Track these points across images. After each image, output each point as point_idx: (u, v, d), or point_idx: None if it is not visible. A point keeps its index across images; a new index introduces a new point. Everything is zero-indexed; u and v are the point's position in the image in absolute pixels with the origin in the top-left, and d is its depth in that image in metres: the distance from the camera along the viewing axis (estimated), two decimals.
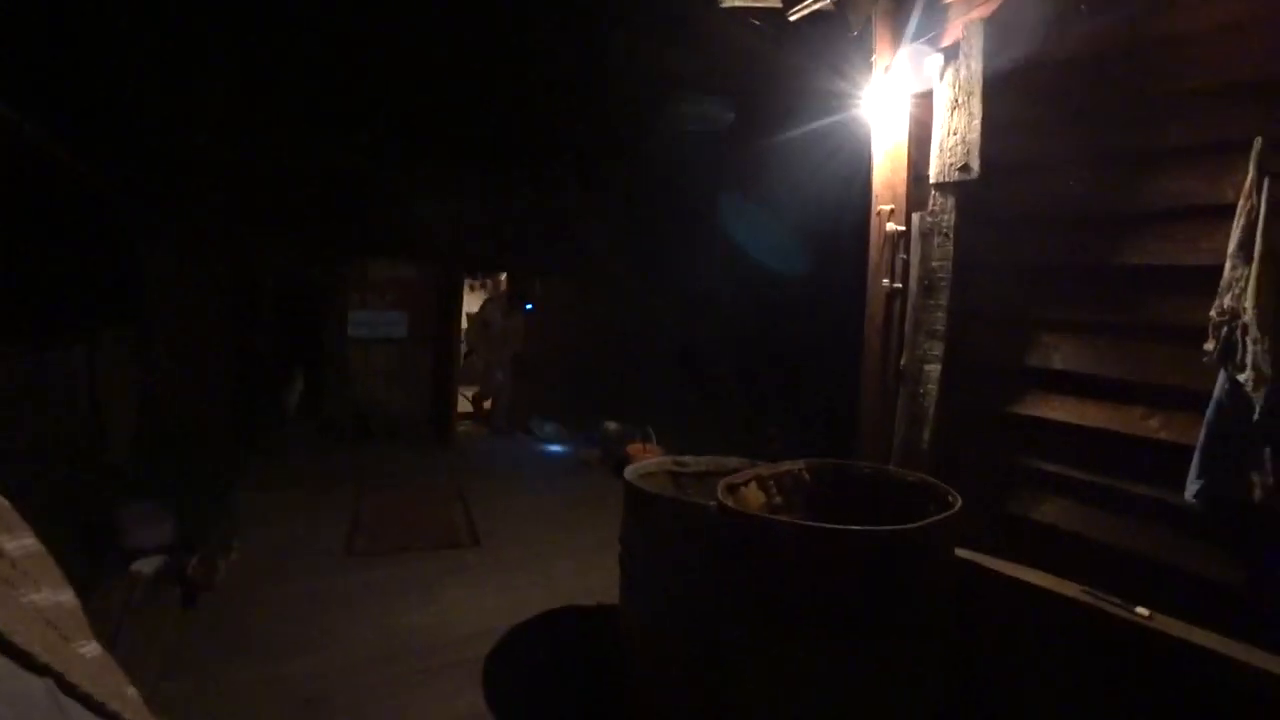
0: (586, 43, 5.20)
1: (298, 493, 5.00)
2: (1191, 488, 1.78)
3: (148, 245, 5.35)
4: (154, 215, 5.29)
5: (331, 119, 6.05)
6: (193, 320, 5.59)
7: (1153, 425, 1.88)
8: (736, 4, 2.52)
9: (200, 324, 5.64)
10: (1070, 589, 2.05)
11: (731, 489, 2.18)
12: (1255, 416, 1.61)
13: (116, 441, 4.73)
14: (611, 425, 6.21)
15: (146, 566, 3.49)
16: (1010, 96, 2.19)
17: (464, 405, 7.59)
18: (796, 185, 4.73)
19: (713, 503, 2.15)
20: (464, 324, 7.59)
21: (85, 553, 3.45)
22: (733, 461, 2.89)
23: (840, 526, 1.80)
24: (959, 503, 1.94)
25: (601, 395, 7.14)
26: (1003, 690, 2.08)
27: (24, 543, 0.48)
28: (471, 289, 9.18)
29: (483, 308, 7.86)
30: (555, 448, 6.96)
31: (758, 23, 2.70)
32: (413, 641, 3.11)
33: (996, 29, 2.21)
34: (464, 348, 7.68)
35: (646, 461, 2.88)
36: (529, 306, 8.08)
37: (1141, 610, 1.89)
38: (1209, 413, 1.73)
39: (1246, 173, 1.62)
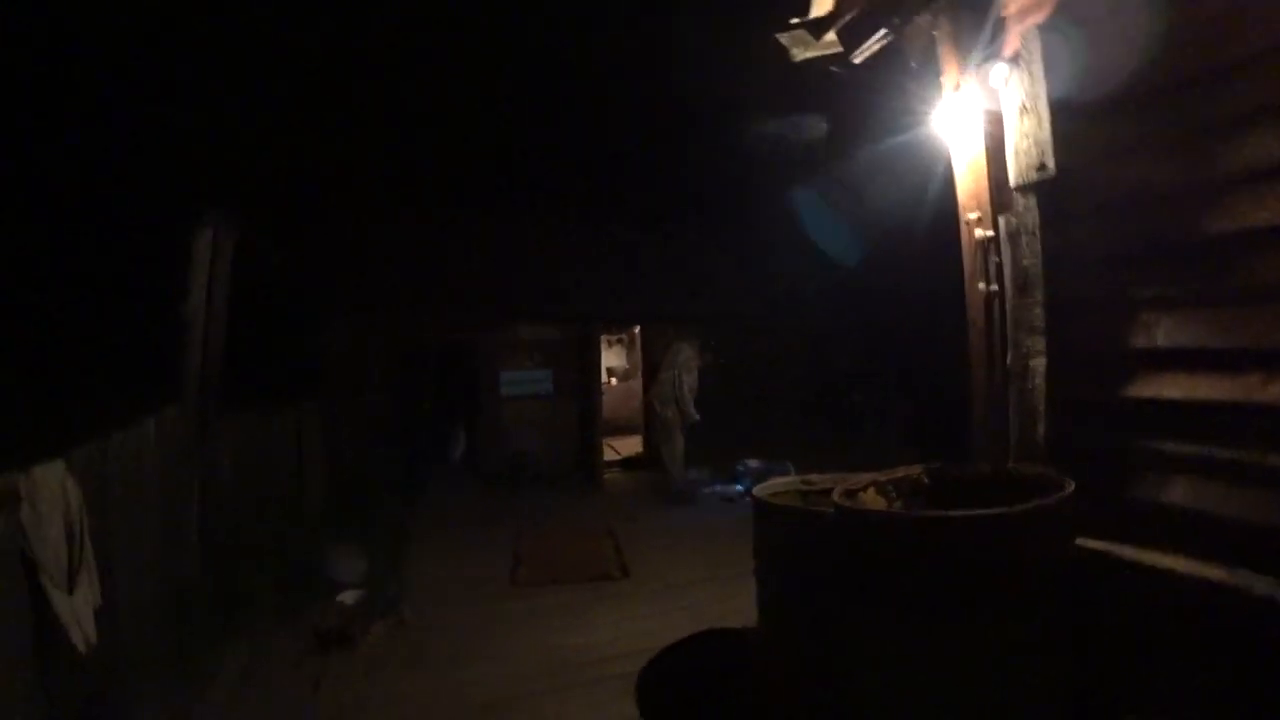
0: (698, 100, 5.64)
1: (463, 532, 5.63)
2: None
3: (325, 322, 6.42)
4: (329, 296, 6.36)
5: (480, 194, 6.92)
6: (363, 385, 6.57)
7: (1275, 390, 1.82)
8: (809, 55, 2.79)
9: (369, 388, 6.62)
10: (1214, 572, 1.97)
11: (849, 494, 2.31)
12: None
13: (311, 495, 5.65)
14: (753, 462, 6.40)
15: (349, 598, 4.16)
16: (1075, 91, 2.26)
17: (609, 454, 8.02)
18: (891, 209, 4.80)
19: (829, 508, 2.31)
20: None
21: (300, 585, 4.16)
22: (859, 477, 2.99)
23: (944, 513, 1.90)
24: (1070, 487, 1.97)
25: (739, 436, 7.29)
26: (1138, 681, 2.01)
27: None
28: (608, 344, 9.68)
29: (673, 357, 6.97)
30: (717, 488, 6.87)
31: (835, 69, 2.95)
32: (570, 658, 3.44)
33: (1051, 33, 2.32)
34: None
35: (774, 481, 3.05)
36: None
37: None
38: None
39: None
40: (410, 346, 6.97)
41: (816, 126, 5.80)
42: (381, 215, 6.63)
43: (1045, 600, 1.95)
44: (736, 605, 3.93)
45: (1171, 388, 2.05)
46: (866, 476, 2.51)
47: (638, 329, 9.29)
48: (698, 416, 6.68)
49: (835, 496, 2.25)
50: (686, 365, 6.74)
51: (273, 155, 5.07)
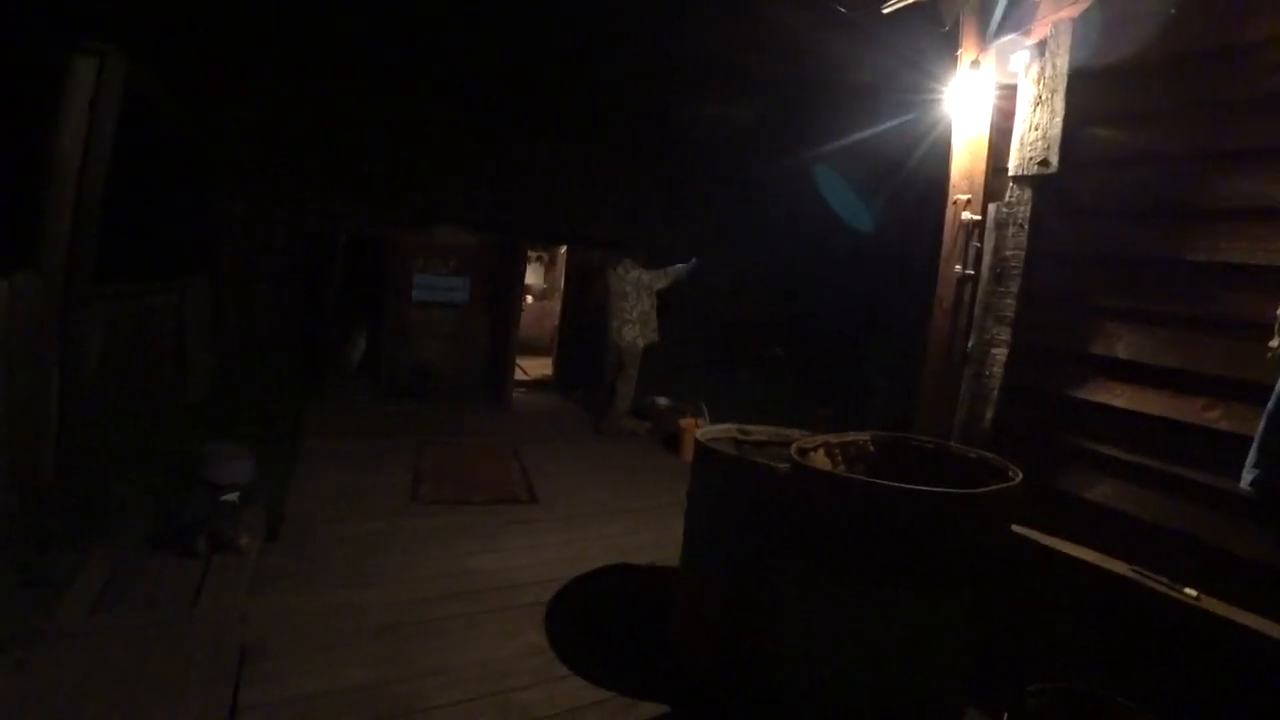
0: (653, 28, 5.29)
1: (360, 443, 5.28)
2: (1248, 476, 1.89)
3: (222, 195, 5.61)
4: (227, 164, 5.54)
5: (407, 84, 6.23)
6: (260, 271, 5.87)
7: (1213, 415, 1.99)
8: None
9: (267, 276, 5.93)
10: (1119, 566, 2.18)
11: (802, 452, 2.34)
12: None
13: (195, 384, 5.06)
14: (662, 400, 6.43)
15: (231, 503, 3.78)
16: (1093, 93, 2.28)
17: (517, 373, 7.76)
18: (853, 171, 4.81)
19: (783, 465, 2.32)
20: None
21: (176, 483, 3.74)
22: (792, 433, 3.05)
23: (908, 486, 1.95)
24: (1019, 477, 2.07)
25: (653, 370, 7.26)
26: (1046, 659, 2.22)
27: None
28: (530, 260, 9.23)
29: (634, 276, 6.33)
30: None
31: (844, 10, 2.79)
32: (478, 584, 3.33)
33: (1084, 28, 2.29)
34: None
35: (713, 428, 3.05)
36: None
37: (1190, 591, 2.01)
38: (1270, 405, 1.84)
39: None
40: (317, 235, 6.25)
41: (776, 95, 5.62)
42: (301, 84, 5.77)
43: (978, 578, 2.08)
44: (645, 540, 4.00)
45: (1120, 397, 2.19)
46: (818, 437, 2.55)
47: (563, 249, 8.95)
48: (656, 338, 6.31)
49: (793, 454, 2.27)
50: (649, 286, 6.25)
51: None
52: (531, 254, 9.54)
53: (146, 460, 3.76)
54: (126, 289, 3.56)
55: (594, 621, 3.16)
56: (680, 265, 6.36)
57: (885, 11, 2.52)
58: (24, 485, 2.65)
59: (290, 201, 5.88)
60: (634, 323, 6.24)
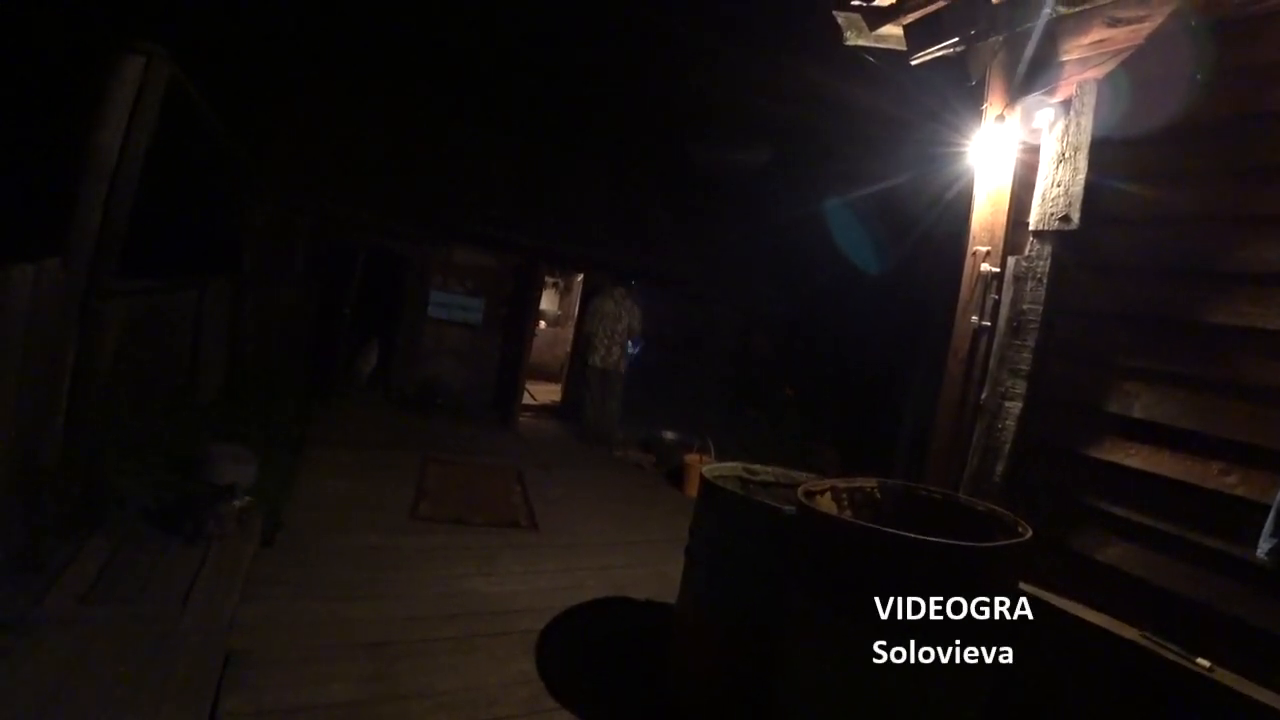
0: (681, 74, 5.44)
1: (364, 454, 5.27)
2: (1264, 545, 1.85)
3: (249, 199, 5.72)
4: (257, 170, 5.66)
5: (440, 107, 6.39)
6: (280, 277, 5.95)
7: (1230, 481, 1.95)
8: (860, 43, 2.68)
9: (287, 281, 6.00)
10: (1129, 632, 2.12)
11: (809, 495, 2.32)
12: None
13: (206, 385, 5.08)
14: (669, 434, 6.43)
15: (235, 504, 3.76)
16: (1117, 153, 2.30)
17: (525, 398, 7.77)
18: (873, 218, 4.85)
19: (789, 507, 2.30)
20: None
21: (177, 480, 3.73)
22: (799, 475, 3.02)
23: (915, 535, 1.92)
24: (1029, 533, 2.03)
25: (658, 404, 7.26)
26: (1046, 715, 2.15)
27: None
28: (546, 287, 9.35)
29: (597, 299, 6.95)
30: None
31: (873, 60, 2.85)
32: (473, 607, 3.28)
33: (1109, 89, 2.33)
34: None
35: (720, 465, 3.03)
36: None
37: (1202, 661, 1.95)
38: None
39: None
40: (339, 246, 6.35)
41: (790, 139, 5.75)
42: (336, 96, 5.95)
43: (984, 633, 2.03)
44: (645, 574, 3.93)
45: (1136, 457, 2.16)
46: (826, 481, 2.53)
47: (580, 276, 9.02)
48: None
49: (800, 497, 2.25)
50: (629, 317, 6.71)
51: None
52: (548, 280, 9.63)
53: (150, 456, 3.76)
54: (148, 284, 3.61)
55: (588, 654, 3.10)
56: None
57: (913, 64, 2.57)
58: (27, 468, 2.65)
59: (315, 211, 5.98)
60: (617, 345, 6.66)
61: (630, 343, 6.79)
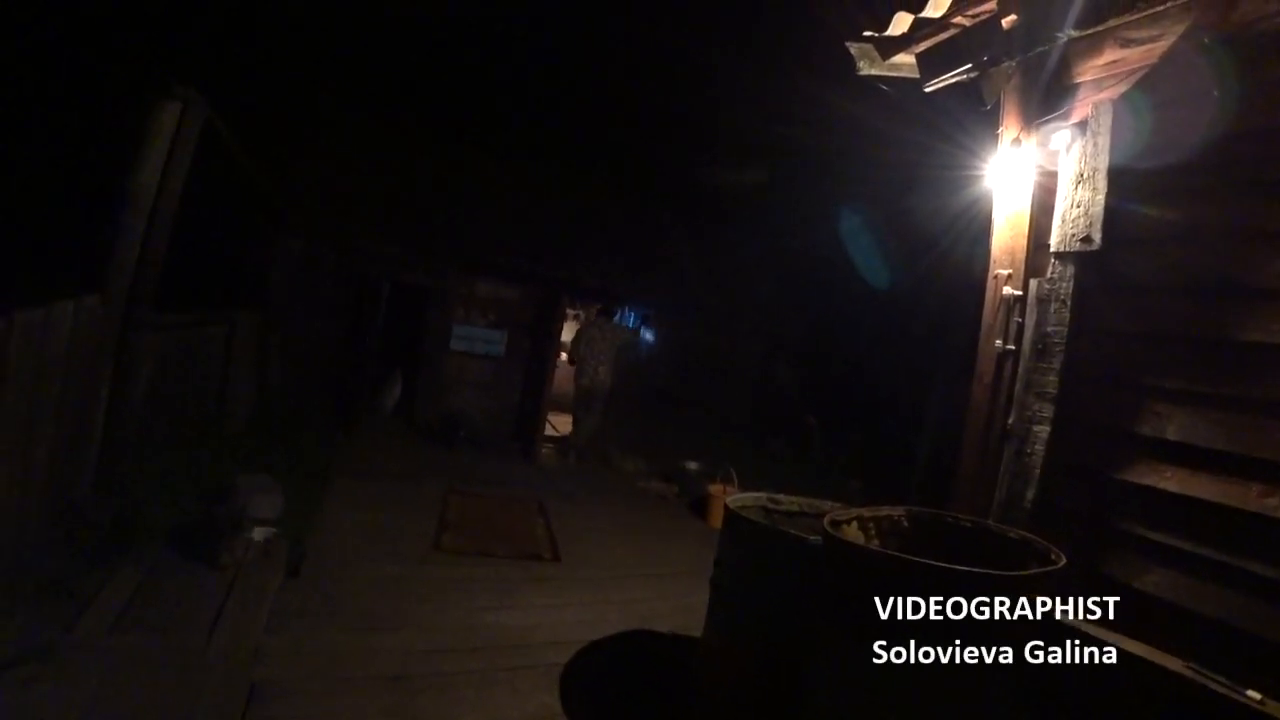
0: (699, 103, 5.55)
1: (388, 485, 5.31)
2: None
3: (276, 234, 5.90)
4: (286, 207, 5.85)
5: (463, 143, 6.58)
6: (307, 310, 6.09)
7: (1272, 504, 1.88)
8: (873, 72, 2.72)
9: (314, 315, 6.15)
10: (1173, 663, 2.02)
11: (835, 525, 2.28)
12: None
13: (234, 415, 5.18)
14: (692, 465, 6.39)
15: (259, 534, 3.81)
16: (1135, 173, 2.28)
17: (547, 429, 7.80)
18: (892, 242, 4.85)
19: (815, 536, 2.27)
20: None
21: (207, 515, 3.79)
22: (824, 504, 2.98)
23: (946, 565, 1.87)
24: (1063, 560, 1.97)
25: (680, 435, 7.24)
26: None
27: None
28: (568, 318, 9.51)
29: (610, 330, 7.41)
30: None
31: (886, 88, 2.88)
32: (495, 640, 3.26)
33: (1125, 109, 2.32)
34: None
35: (744, 495, 3.01)
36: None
37: (1253, 694, 1.85)
38: None
39: None
40: (364, 280, 6.51)
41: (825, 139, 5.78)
42: (360, 137, 6.16)
43: (1018, 662, 1.96)
44: (669, 606, 3.87)
45: (1171, 480, 2.09)
46: (851, 510, 2.49)
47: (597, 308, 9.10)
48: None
49: (826, 527, 2.22)
50: (615, 340, 7.23)
51: (259, 43, 4.59)
52: (569, 312, 9.74)
53: (180, 485, 3.83)
54: (180, 319, 3.72)
55: (611, 688, 3.05)
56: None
57: (927, 90, 2.60)
58: (61, 497, 2.72)
59: (340, 245, 6.15)
60: (603, 365, 7.16)
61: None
